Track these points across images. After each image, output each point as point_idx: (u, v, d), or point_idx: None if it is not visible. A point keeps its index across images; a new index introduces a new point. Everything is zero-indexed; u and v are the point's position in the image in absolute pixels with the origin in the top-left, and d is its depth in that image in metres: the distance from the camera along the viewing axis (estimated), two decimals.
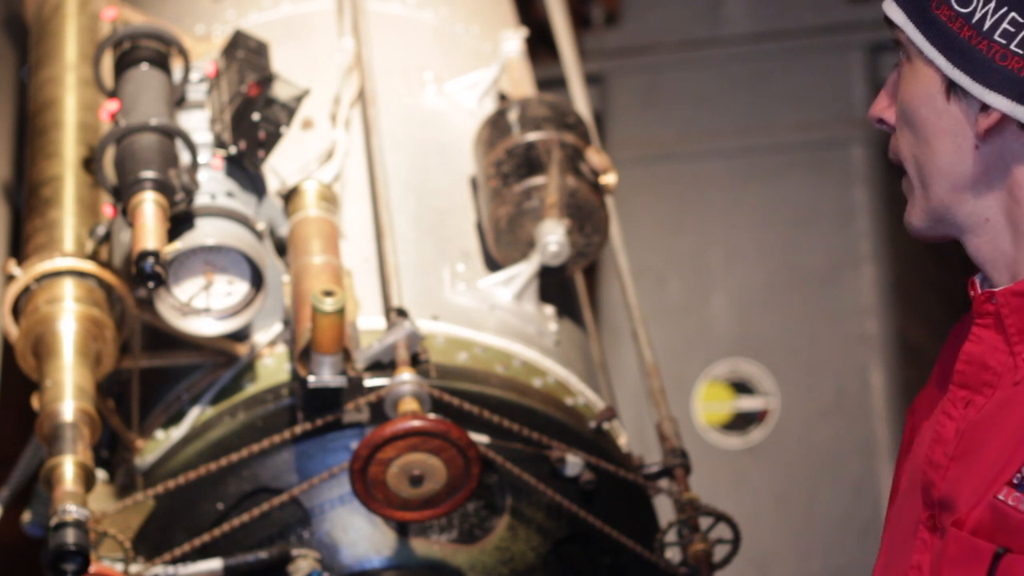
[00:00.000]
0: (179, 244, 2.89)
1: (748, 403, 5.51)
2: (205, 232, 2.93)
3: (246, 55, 3.03)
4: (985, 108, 2.12)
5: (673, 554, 3.06)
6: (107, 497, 3.02)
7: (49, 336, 2.91)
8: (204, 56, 3.19)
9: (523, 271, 3.17)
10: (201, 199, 2.95)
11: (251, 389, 3.01)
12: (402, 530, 2.94)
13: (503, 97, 3.48)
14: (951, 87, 2.14)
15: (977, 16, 2.12)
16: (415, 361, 2.92)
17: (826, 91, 5.86)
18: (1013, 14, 2.10)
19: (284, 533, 2.95)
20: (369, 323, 3.01)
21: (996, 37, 2.11)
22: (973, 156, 2.15)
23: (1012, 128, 2.12)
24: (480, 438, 2.92)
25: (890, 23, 2.22)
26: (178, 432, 3.02)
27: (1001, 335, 2.15)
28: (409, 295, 3.04)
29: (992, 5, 2.11)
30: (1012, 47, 2.10)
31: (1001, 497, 2.08)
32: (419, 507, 2.86)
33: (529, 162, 3.17)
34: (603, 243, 3.24)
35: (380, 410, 2.89)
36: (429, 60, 3.49)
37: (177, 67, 3.09)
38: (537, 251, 3.15)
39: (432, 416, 2.83)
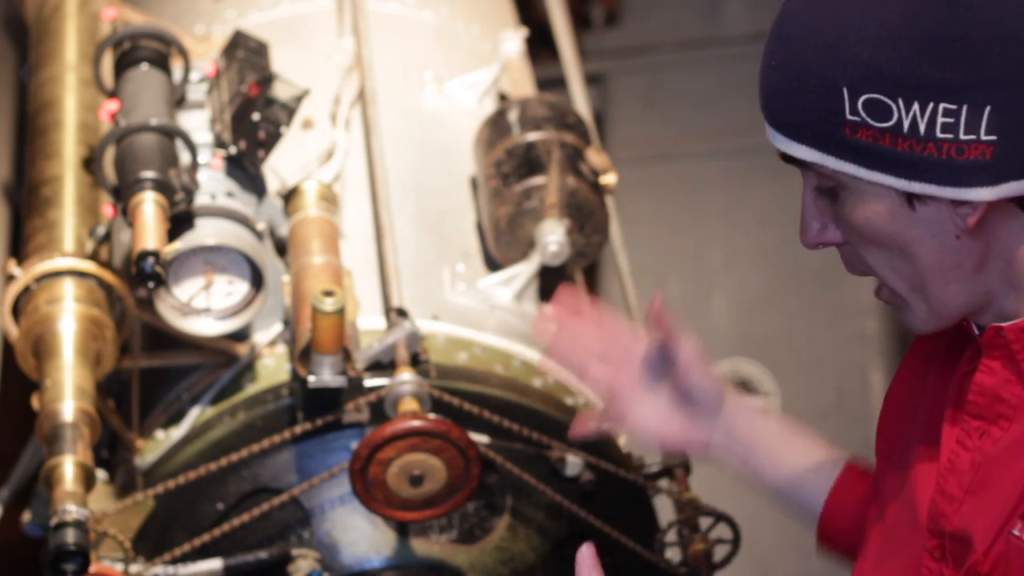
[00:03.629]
0: (179, 244, 2.89)
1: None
2: (205, 232, 2.93)
3: (246, 55, 3.03)
4: (960, 202, 1.96)
5: (673, 554, 3.06)
6: (107, 497, 3.02)
7: (49, 336, 2.91)
8: (204, 56, 3.19)
9: (523, 271, 3.17)
10: (201, 199, 2.95)
11: (251, 389, 3.01)
12: (402, 530, 2.94)
13: (503, 97, 3.48)
14: (911, 197, 1.97)
15: (907, 124, 1.93)
16: (415, 361, 2.92)
17: None
18: (943, 104, 1.91)
19: (284, 533, 2.95)
20: (369, 323, 3.01)
21: (940, 135, 1.92)
22: (956, 247, 2.00)
23: (992, 207, 1.97)
24: (480, 438, 2.92)
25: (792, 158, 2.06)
26: (178, 432, 3.02)
27: (1013, 368, 2.06)
28: (409, 295, 3.04)
29: (916, 106, 1.92)
30: (962, 137, 1.92)
31: (1016, 532, 2.01)
32: (419, 507, 2.86)
33: (529, 162, 3.17)
34: (603, 243, 3.24)
35: (380, 410, 2.89)
36: (429, 60, 3.49)
37: (177, 67, 3.09)
38: (537, 251, 3.15)
39: (432, 416, 2.83)
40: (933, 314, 2.07)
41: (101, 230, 3.06)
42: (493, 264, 3.21)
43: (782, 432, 2.46)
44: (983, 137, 1.93)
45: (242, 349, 3.04)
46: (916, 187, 1.96)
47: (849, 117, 1.95)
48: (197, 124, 3.04)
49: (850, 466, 2.46)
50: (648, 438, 2.41)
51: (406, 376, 2.87)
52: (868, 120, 1.94)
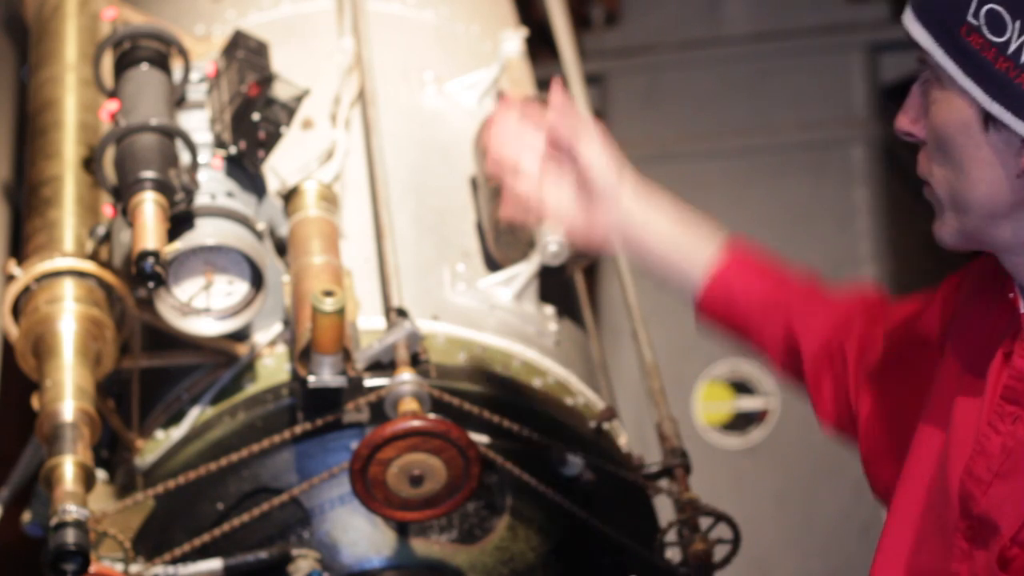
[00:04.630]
0: (179, 244, 2.89)
1: (748, 403, 5.51)
2: (205, 232, 2.93)
3: (246, 55, 3.03)
4: None
5: (673, 554, 3.06)
6: (107, 497, 3.02)
7: (49, 336, 2.91)
8: (204, 56, 3.19)
9: (523, 271, 3.17)
10: (201, 199, 2.95)
11: (251, 389, 3.01)
12: (402, 530, 2.94)
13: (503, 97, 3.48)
14: (989, 118, 2.04)
15: (1013, 46, 2.01)
16: (415, 361, 2.92)
17: (826, 91, 5.85)
18: None
19: (284, 533, 2.95)
20: (369, 323, 3.01)
21: None
22: (1013, 185, 2.06)
23: None
24: (480, 438, 2.92)
25: (915, 42, 2.11)
26: (178, 432, 3.02)
27: None
28: (409, 295, 3.04)
29: None
30: None
31: None
32: (419, 507, 2.86)
33: None
34: None
35: (380, 410, 2.89)
36: (429, 60, 3.49)
37: (177, 67, 3.09)
38: (537, 251, 3.15)
39: (432, 416, 2.83)
40: (962, 234, 2.13)
41: (101, 230, 3.06)
42: (493, 264, 3.21)
43: (674, 211, 2.61)
44: None
45: (242, 349, 3.04)
46: (995, 109, 2.03)
47: (969, 19, 2.03)
48: (197, 124, 3.04)
49: (732, 249, 2.60)
50: (560, 226, 2.62)
51: (406, 376, 2.87)
52: (983, 28, 2.02)
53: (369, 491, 2.83)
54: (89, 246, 3.05)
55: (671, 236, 2.60)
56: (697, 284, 2.60)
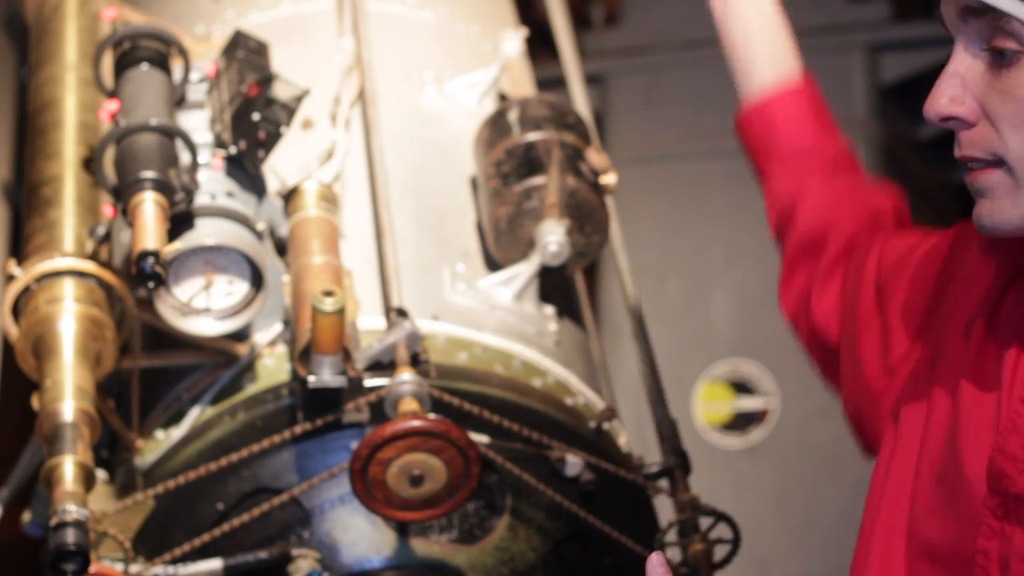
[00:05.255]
0: (179, 244, 2.89)
1: (748, 403, 5.51)
2: (205, 232, 2.93)
3: (246, 55, 3.03)
4: None
5: (673, 554, 3.06)
6: (107, 497, 3.02)
7: (49, 336, 2.91)
8: (204, 56, 3.19)
9: (523, 271, 3.17)
10: (201, 199, 2.95)
11: (251, 389, 3.01)
12: (402, 530, 2.94)
13: (503, 97, 3.48)
14: None
15: None
16: (415, 361, 2.92)
17: (826, 91, 5.83)
18: None
19: (284, 533, 2.95)
20: (369, 323, 3.01)
21: None
22: None
23: None
24: (480, 438, 2.92)
25: (974, 10, 1.95)
26: (178, 432, 3.02)
27: None
28: (409, 295, 3.04)
29: None
30: None
31: None
32: (419, 507, 2.86)
33: (529, 162, 3.17)
34: (603, 243, 3.24)
35: (380, 410, 2.89)
36: (429, 60, 3.49)
37: (177, 67, 3.09)
38: (537, 251, 3.15)
39: (432, 416, 2.83)
40: None
41: (101, 230, 3.06)
42: (493, 264, 3.21)
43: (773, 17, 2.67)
44: None
45: (242, 349, 3.04)
46: None
47: None
48: (197, 124, 3.04)
49: (798, 82, 2.64)
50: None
51: (406, 376, 2.87)
52: None
53: (369, 491, 2.83)
54: (89, 246, 3.05)
55: (757, 33, 2.66)
56: (750, 96, 2.62)
